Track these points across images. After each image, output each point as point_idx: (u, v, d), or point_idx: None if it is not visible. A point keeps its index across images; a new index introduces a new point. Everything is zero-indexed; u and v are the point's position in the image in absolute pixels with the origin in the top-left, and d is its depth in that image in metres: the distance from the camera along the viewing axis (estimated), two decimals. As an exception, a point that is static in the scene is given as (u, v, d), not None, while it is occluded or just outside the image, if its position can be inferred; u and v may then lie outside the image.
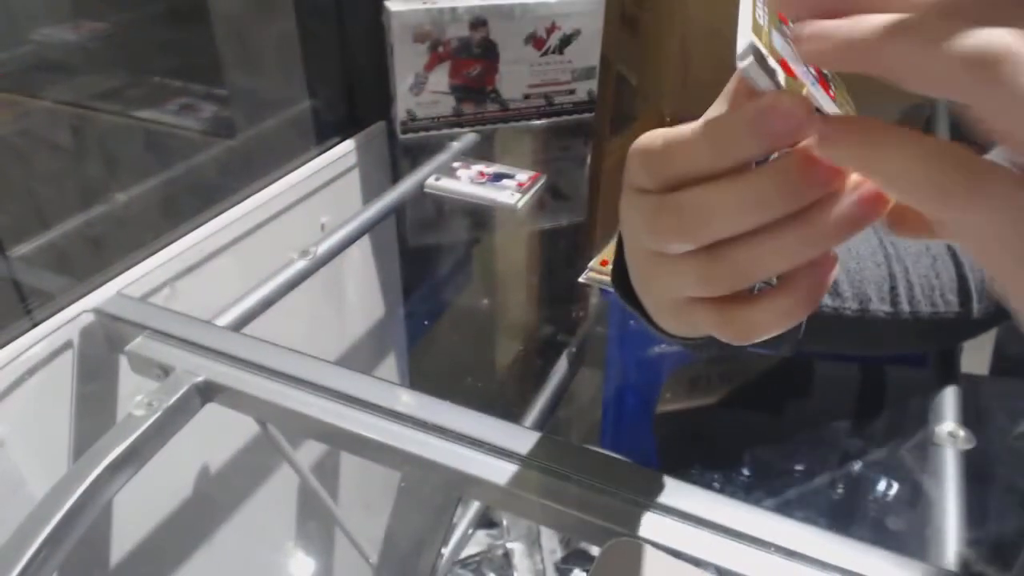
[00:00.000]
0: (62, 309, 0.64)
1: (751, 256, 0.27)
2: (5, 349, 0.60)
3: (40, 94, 1.05)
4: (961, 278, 0.50)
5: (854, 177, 0.27)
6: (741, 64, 0.25)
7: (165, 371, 0.58)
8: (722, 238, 0.27)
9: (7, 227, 0.75)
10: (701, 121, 0.27)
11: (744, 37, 0.25)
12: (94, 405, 0.68)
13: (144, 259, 0.71)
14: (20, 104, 1.03)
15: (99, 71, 1.15)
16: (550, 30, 0.95)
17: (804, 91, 0.26)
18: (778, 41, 0.26)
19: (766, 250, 0.26)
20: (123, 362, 0.63)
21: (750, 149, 0.26)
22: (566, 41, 0.97)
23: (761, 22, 0.26)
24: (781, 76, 0.25)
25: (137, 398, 0.55)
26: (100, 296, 0.66)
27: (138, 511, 0.75)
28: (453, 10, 0.90)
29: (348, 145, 0.97)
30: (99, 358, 0.67)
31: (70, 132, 1.04)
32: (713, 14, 0.94)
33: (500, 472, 0.47)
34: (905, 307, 0.48)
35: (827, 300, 0.46)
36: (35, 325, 0.62)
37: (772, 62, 0.25)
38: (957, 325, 0.51)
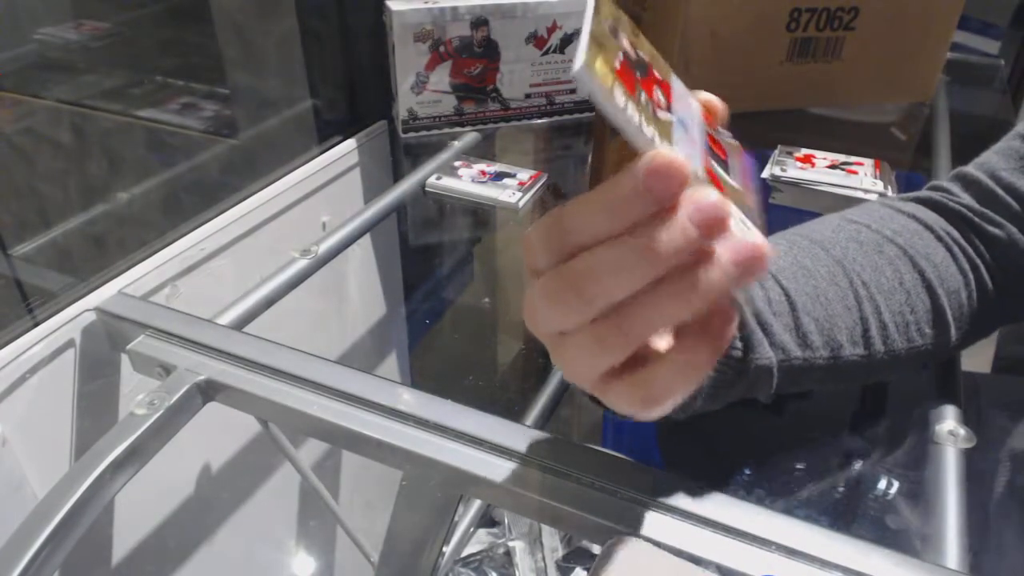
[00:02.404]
0: (64, 308, 0.64)
1: (639, 313, 0.28)
2: (7, 348, 0.60)
3: (41, 93, 1.05)
4: (937, 309, 0.48)
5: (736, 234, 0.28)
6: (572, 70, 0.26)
7: (166, 370, 0.58)
8: (615, 300, 0.28)
9: (9, 226, 0.75)
10: (595, 189, 0.29)
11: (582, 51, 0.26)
12: (95, 404, 0.68)
13: (145, 258, 0.72)
14: (22, 103, 1.03)
15: (100, 70, 1.15)
16: (551, 29, 0.96)
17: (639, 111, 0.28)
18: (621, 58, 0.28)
19: (649, 306, 0.28)
20: (124, 361, 0.63)
21: (635, 207, 0.27)
22: (567, 40, 0.97)
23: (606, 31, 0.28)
24: (620, 92, 0.27)
25: (138, 397, 0.55)
26: (102, 295, 0.66)
27: (140, 510, 0.75)
28: (454, 9, 0.90)
29: (349, 144, 0.97)
30: (100, 357, 0.67)
31: (71, 131, 1.04)
32: (713, 14, 0.94)
33: (501, 470, 0.47)
34: (879, 347, 0.47)
35: (797, 351, 0.44)
36: (36, 324, 0.62)
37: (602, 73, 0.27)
38: (935, 354, 0.50)
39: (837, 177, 0.80)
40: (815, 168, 0.82)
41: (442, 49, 0.92)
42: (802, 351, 0.45)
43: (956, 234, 0.51)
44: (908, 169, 0.93)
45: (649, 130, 0.27)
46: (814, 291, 0.45)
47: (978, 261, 0.50)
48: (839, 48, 0.99)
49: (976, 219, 0.51)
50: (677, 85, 0.32)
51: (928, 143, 0.96)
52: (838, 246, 0.48)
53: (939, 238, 0.50)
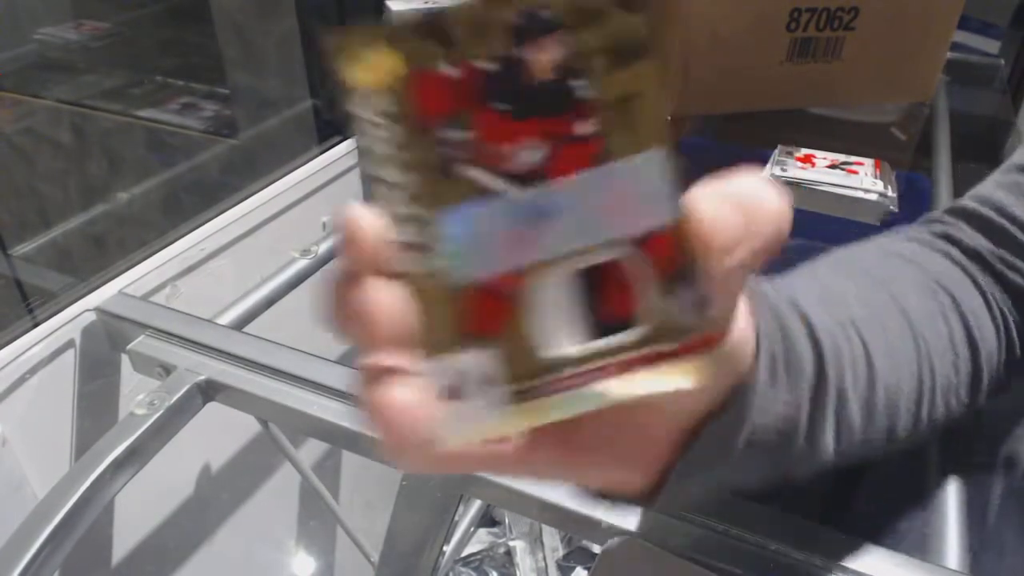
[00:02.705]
0: (64, 308, 0.64)
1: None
2: (7, 348, 0.60)
3: (42, 93, 1.05)
4: (976, 370, 0.41)
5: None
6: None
7: (167, 370, 0.58)
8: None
9: (9, 226, 0.75)
10: None
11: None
12: (96, 404, 0.68)
13: (145, 258, 0.72)
14: (22, 103, 1.03)
15: (101, 70, 1.15)
16: (551, 29, 0.95)
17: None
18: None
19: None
20: (125, 361, 0.63)
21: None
22: (567, 40, 0.97)
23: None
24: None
25: (139, 397, 0.55)
26: (102, 295, 0.66)
27: (140, 510, 0.75)
28: (454, 9, 0.91)
29: (349, 144, 0.97)
30: (101, 357, 0.67)
31: (72, 131, 1.04)
32: (713, 14, 0.94)
33: (501, 471, 0.47)
34: (923, 419, 0.39)
35: (859, 434, 0.35)
36: (37, 324, 0.62)
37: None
38: (952, 422, 0.42)
39: (837, 177, 0.80)
40: (815, 168, 0.82)
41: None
42: (864, 432, 0.35)
43: (988, 281, 0.44)
44: (908, 169, 0.93)
45: (393, 174, 0.19)
46: (888, 350, 0.36)
47: (1008, 313, 0.44)
48: (839, 48, 0.99)
49: (997, 264, 0.44)
50: (631, 183, 0.19)
51: (928, 143, 0.96)
52: (901, 292, 0.40)
53: (976, 284, 0.43)
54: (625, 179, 0.19)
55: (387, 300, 0.20)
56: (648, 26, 0.19)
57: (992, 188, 0.46)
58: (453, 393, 0.20)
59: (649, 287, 0.20)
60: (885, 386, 0.36)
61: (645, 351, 0.20)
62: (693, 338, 0.20)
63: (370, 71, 0.19)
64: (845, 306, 0.35)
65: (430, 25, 0.19)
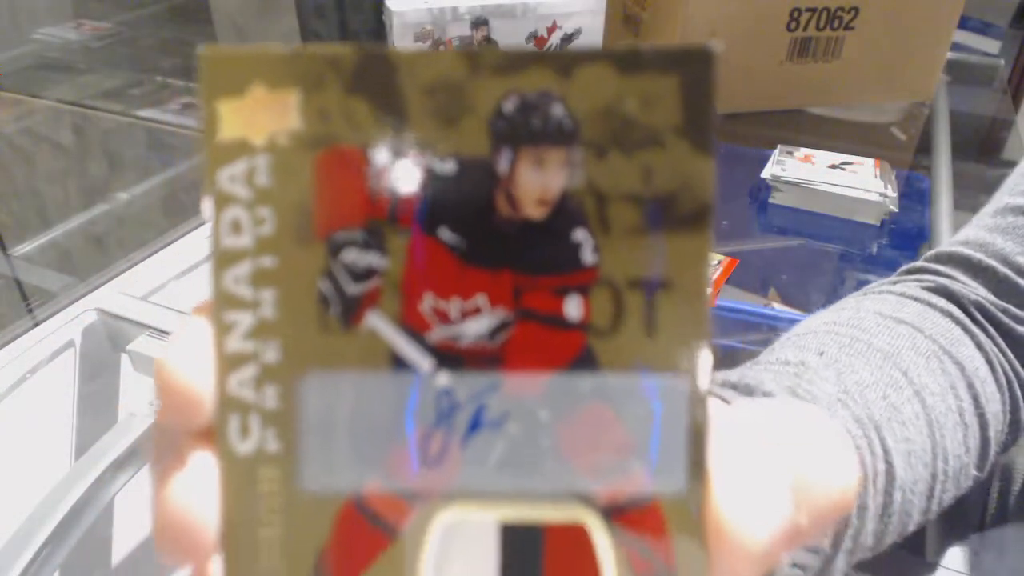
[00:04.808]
0: (64, 308, 0.64)
1: None
2: (7, 348, 0.60)
3: (42, 93, 1.05)
4: (984, 443, 0.39)
5: None
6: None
7: (167, 370, 0.58)
8: None
9: (9, 226, 0.75)
10: None
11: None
12: (96, 404, 0.68)
13: (146, 258, 0.72)
14: (22, 103, 1.03)
15: (101, 70, 1.15)
16: (551, 29, 0.96)
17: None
18: None
19: None
20: (125, 361, 0.63)
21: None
22: (567, 40, 0.97)
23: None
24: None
25: (139, 397, 0.55)
26: (102, 295, 0.66)
27: (140, 510, 0.75)
28: (454, 9, 0.90)
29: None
30: (101, 357, 0.67)
31: (72, 131, 1.04)
32: (713, 14, 0.94)
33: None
34: (935, 510, 0.37)
35: (870, 541, 0.33)
36: (37, 324, 0.62)
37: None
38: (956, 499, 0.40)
39: (837, 177, 0.80)
40: (815, 168, 0.82)
41: (442, 49, 0.92)
42: (876, 544, 0.33)
43: (988, 340, 0.41)
44: (908, 169, 0.93)
45: (242, 285, 0.12)
46: (907, 448, 0.34)
47: (1011, 373, 0.41)
48: (839, 48, 0.99)
49: (1001, 316, 0.41)
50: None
51: (928, 143, 0.96)
52: (911, 367, 0.37)
53: (979, 346, 0.40)
54: (618, 407, 0.12)
55: (200, 494, 0.13)
56: (712, 184, 0.12)
57: (987, 233, 0.43)
58: None
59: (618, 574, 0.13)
60: (902, 488, 0.33)
61: None
62: None
63: (248, 117, 0.12)
64: (865, 403, 0.33)
65: (366, 66, 0.12)
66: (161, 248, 0.73)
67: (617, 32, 1.07)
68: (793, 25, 0.96)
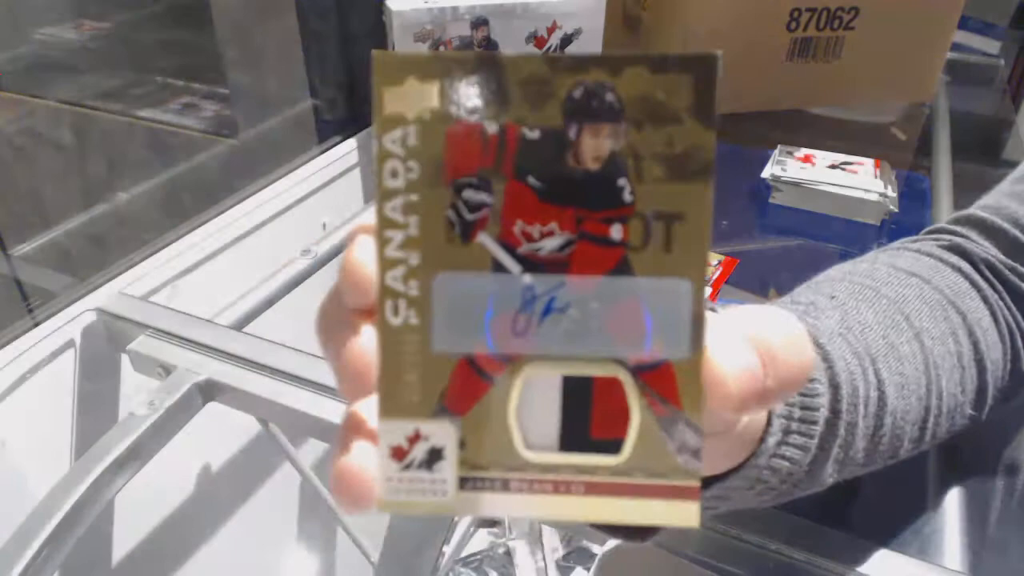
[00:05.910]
0: (64, 308, 0.64)
1: None
2: (7, 348, 0.60)
3: (42, 93, 1.05)
4: (981, 387, 0.42)
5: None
6: None
7: (167, 370, 0.58)
8: None
9: (9, 226, 0.75)
10: None
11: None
12: (96, 404, 0.68)
13: (146, 258, 0.72)
14: (21, 103, 1.03)
15: (101, 70, 1.15)
16: (551, 29, 0.95)
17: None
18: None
19: None
20: (125, 361, 0.63)
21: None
22: (567, 40, 0.97)
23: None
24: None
25: (139, 397, 0.55)
26: (102, 295, 0.66)
27: (140, 510, 0.75)
28: (454, 9, 0.90)
29: (350, 144, 0.97)
30: (101, 357, 0.67)
31: (72, 131, 1.04)
32: (713, 14, 0.94)
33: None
34: (927, 440, 0.40)
35: (861, 457, 0.35)
36: (37, 324, 0.62)
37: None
38: (953, 436, 0.43)
39: (837, 177, 0.80)
40: (815, 168, 0.82)
41: (442, 49, 0.92)
42: (866, 460, 0.36)
43: (995, 294, 0.44)
44: (908, 169, 0.93)
45: (396, 211, 0.18)
46: (901, 381, 0.37)
47: (1014, 326, 0.44)
48: (839, 48, 0.99)
49: (1008, 274, 0.44)
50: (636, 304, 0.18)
51: (928, 143, 0.96)
52: (913, 312, 0.40)
53: (985, 299, 0.43)
54: (645, 300, 0.18)
55: (370, 349, 0.19)
56: (713, 149, 0.17)
57: (1004, 198, 0.47)
58: (400, 456, 0.19)
59: (642, 419, 0.18)
60: (893, 414, 0.36)
61: (620, 480, 0.19)
62: (675, 483, 0.18)
63: (404, 99, 0.17)
64: (864, 339, 0.36)
65: (482, 67, 0.17)
66: (161, 248, 0.73)
67: (617, 32, 1.07)
68: (793, 25, 0.96)
